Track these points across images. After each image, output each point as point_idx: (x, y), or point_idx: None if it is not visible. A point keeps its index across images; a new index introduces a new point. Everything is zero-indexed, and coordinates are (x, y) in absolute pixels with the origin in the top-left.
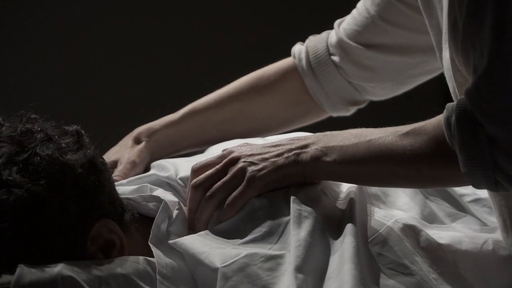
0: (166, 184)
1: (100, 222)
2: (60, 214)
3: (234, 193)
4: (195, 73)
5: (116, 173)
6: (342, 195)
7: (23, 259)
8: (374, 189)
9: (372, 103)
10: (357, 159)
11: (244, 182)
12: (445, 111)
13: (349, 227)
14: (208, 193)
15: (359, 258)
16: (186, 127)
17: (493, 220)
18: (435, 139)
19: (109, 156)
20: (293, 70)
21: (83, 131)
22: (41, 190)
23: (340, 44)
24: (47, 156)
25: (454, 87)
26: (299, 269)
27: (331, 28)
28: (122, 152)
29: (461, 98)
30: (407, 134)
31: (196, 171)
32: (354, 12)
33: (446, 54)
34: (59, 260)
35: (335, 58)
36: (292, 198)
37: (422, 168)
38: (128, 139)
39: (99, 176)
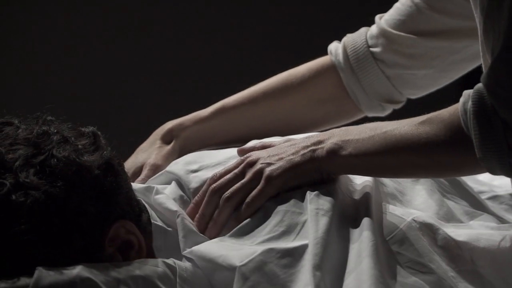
0: (175, 184)
1: (118, 223)
2: (78, 216)
3: (253, 193)
4: (217, 77)
5: (137, 180)
6: (358, 194)
7: (41, 261)
8: (390, 188)
9: (402, 109)
10: (372, 150)
11: (262, 182)
12: (462, 97)
13: (366, 226)
14: (226, 195)
15: (378, 257)
16: (216, 123)
17: (511, 217)
18: (451, 125)
19: (137, 157)
20: (328, 67)
21: (99, 133)
22: (58, 192)
23: (382, 33)
24: (63, 158)
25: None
26: (317, 267)
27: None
28: (150, 154)
29: (478, 84)
30: (423, 122)
31: (215, 180)
32: (397, 4)
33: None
34: (77, 262)
35: (375, 50)
36: (308, 197)
37: (438, 155)
38: (156, 137)
39: (116, 177)
